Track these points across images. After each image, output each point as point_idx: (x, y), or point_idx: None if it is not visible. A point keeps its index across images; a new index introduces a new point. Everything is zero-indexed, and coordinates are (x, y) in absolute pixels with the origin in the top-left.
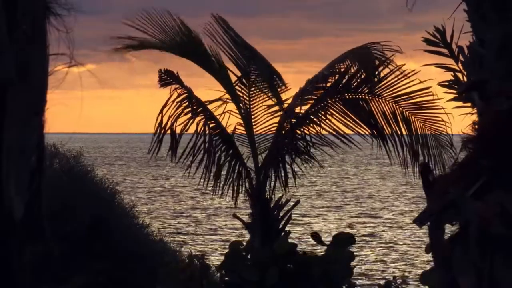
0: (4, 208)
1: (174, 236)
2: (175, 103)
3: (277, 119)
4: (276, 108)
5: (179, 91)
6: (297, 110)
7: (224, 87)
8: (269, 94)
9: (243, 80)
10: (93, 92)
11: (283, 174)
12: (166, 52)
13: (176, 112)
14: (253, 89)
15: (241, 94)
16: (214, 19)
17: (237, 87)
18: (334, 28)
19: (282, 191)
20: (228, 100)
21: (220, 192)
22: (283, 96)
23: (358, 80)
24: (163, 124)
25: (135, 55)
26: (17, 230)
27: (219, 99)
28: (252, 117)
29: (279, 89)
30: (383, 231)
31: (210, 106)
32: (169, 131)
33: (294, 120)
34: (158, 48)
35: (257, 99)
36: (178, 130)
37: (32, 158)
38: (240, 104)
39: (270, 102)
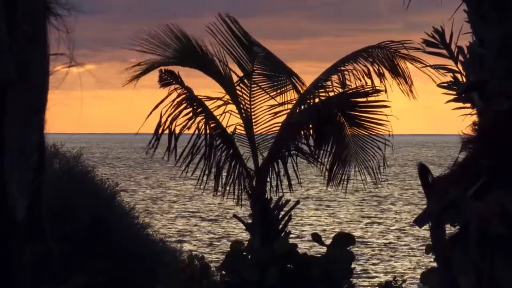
0: (7, 208)
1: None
2: (174, 103)
3: (278, 119)
4: (279, 108)
5: (179, 91)
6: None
7: (225, 89)
8: (272, 93)
9: (245, 81)
10: (93, 92)
11: (283, 174)
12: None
13: (175, 112)
14: (254, 89)
15: (241, 95)
16: (220, 19)
17: (237, 88)
18: (334, 28)
19: (288, 191)
20: (228, 101)
21: (220, 192)
22: (284, 97)
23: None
24: (161, 124)
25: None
26: (19, 230)
27: (221, 100)
28: (253, 117)
29: (299, 87)
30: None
31: (210, 106)
32: (167, 131)
33: (292, 120)
34: (165, 65)
35: (258, 99)
36: (177, 130)
37: (33, 158)
38: (241, 105)
39: (271, 102)
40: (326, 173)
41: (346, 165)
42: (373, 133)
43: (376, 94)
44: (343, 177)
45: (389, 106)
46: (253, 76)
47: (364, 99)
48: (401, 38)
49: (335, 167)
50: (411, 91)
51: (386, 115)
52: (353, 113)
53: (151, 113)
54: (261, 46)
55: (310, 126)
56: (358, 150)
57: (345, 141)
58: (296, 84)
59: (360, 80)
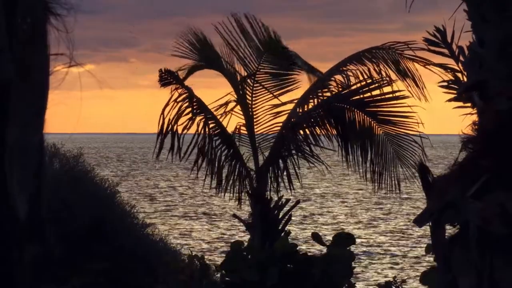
0: (8, 208)
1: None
2: (176, 103)
3: (278, 119)
4: (281, 108)
5: (179, 91)
6: (300, 110)
7: (235, 90)
8: (275, 93)
9: (248, 81)
10: (93, 92)
11: (284, 174)
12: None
13: (178, 112)
14: (256, 89)
15: (247, 96)
16: (234, 19)
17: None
18: (334, 28)
19: (287, 191)
20: (232, 100)
21: (220, 192)
22: (287, 97)
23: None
24: (165, 125)
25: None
26: (20, 230)
27: (226, 103)
28: (254, 117)
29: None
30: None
31: (211, 107)
32: (170, 131)
33: (295, 119)
34: (199, 69)
35: (260, 99)
36: (180, 130)
37: (34, 158)
38: (248, 105)
39: (274, 102)
40: (366, 176)
41: (391, 166)
42: (403, 128)
43: (389, 86)
44: (393, 180)
45: (408, 96)
46: (257, 75)
47: (379, 92)
48: (401, 38)
49: (377, 169)
50: (422, 94)
51: (409, 106)
52: (372, 109)
53: (161, 115)
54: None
55: (326, 124)
56: (397, 149)
57: (378, 140)
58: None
59: (365, 79)
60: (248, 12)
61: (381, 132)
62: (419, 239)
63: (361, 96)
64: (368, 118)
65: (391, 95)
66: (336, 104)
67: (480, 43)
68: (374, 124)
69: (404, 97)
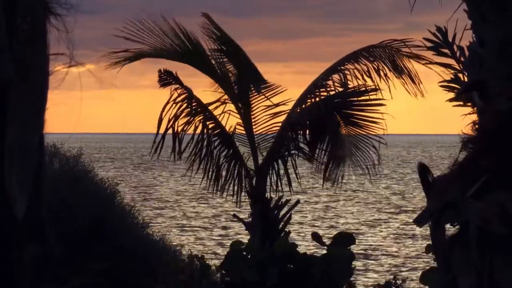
0: (8, 208)
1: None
2: (175, 104)
3: (277, 119)
4: (278, 108)
5: (179, 91)
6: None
7: (223, 89)
8: (267, 94)
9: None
10: (93, 92)
11: (284, 174)
12: (165, 59)
13: (177, 112)
14: (252, 89)
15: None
16: (205, 18)
17: (236, 87)
18: (334, 28)
19: (288, 191)
20: (227, 101)
21: (220, 192)
22: (283, 96)
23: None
24: (165, 125)
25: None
26: (19, 230)
27: (219, 100)
28: (252, 117)
29: (252, 91)
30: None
31: (210, 107)
32: (170, 131)
33: (292, 120)
34: (156, 56)
35: (257, 100)
36: (179, 131)
37: (34, 158)
38: (239, 104)
39: (269, 102)
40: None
41: (340, 164)
42: (367, 132)
43: (374, 93)
44: (337, 176)
45: (384, 104)
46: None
47: (361, 98)
48: (401, 37)
49: (330, 166)
50: (419, 90)
51: (381, 113)
52: (349, 111)
53: (161, 116)
54: (233, 45)
55: (308, 124)
56: (353, 149)
57: (341, 140)
58: (252, 88)
59: (361, 80)
60: (248, 12)
61: (344, 132)
62: (419, 238)
63: (350, 99)
64: (338, 118)
65: (372, 101)
66: (328, 104)
67: (480, 43)
68: (341, 124)
69: (382, 104)
